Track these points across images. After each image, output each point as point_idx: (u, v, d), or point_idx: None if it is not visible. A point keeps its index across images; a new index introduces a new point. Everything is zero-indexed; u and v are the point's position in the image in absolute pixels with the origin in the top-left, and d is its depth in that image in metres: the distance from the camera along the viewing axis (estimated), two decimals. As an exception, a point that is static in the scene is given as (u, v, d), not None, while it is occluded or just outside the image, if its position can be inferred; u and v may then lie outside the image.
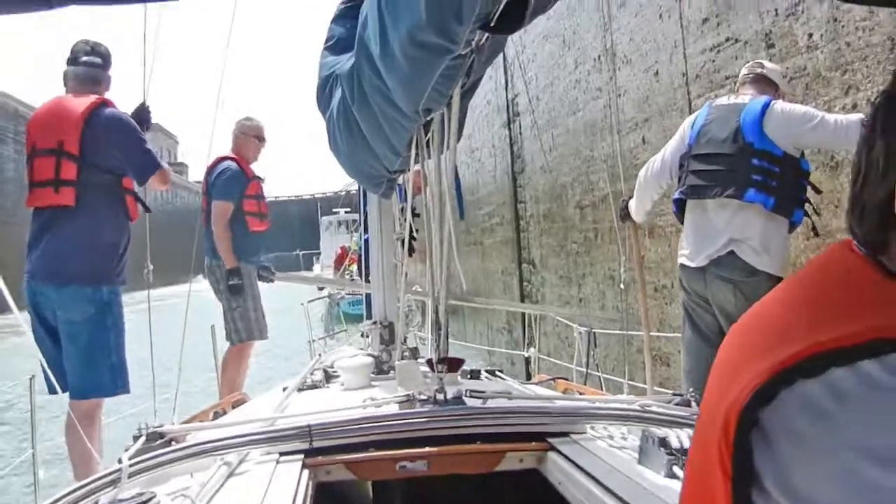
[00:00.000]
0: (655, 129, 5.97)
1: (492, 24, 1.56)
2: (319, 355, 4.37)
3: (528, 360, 8.21)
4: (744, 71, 3.83)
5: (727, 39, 4.94)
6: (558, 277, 8.80)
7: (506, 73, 10.71)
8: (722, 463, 0.79)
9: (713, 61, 5.11)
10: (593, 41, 7.11)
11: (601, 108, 7.02)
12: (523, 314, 9.78)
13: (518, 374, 7.94)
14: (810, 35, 4.12)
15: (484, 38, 1.73)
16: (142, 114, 4.18)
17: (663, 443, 1.84)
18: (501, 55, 10.99)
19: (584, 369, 5.38)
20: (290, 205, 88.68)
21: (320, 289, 10.92)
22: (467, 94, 2.12)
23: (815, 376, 0.73)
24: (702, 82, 5.27)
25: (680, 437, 1.85)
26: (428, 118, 2.12)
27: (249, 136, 5.72)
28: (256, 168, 5.76)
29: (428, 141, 2.39)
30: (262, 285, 5.62)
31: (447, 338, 2.45)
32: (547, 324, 8.81)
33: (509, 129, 10.70)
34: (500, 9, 1.52)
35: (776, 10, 4.37)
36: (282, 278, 6.02)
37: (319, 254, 35.02)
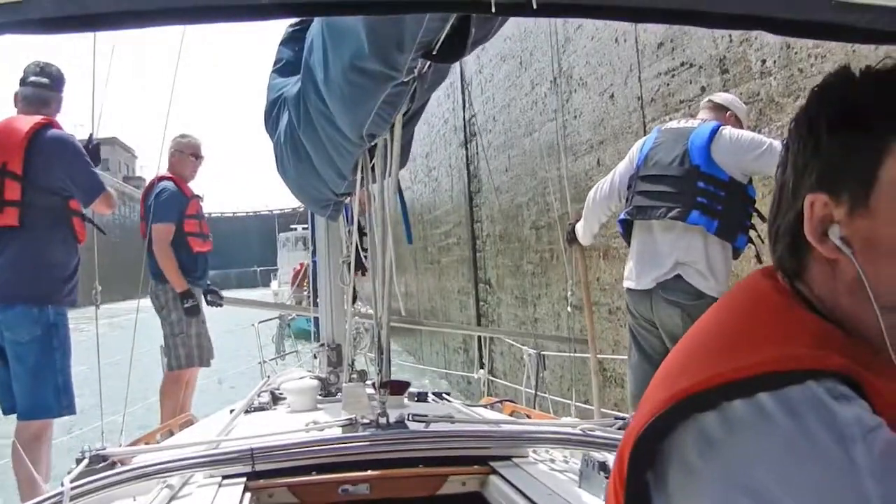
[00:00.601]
0: (611, 151, 6.03)
1: (434, 53, 1.56)
2: (268, 377, 4.33)
3: (483, 382, 8.24)
4: (719, 100, 3.85)
5: (682, 64, 5.01)
6: (514, 298, 8.84)
7: (463, 93, 10.77)
8: (616, 496, 0.79)
9: (668, 85, 5.18)
10: (550, 64, 7.19)
11: (557, 130, 7.10)
12: (478, 339, 9.79)
13: (473, 394, 7.95)
14: (763, 61, 4.19)
15: (426, 66, 1.72)
16: (89, 148, 4.13)
17: (603, 466, 1.87)
18: (459, 75, 11.04)
19: (534, 391, 5.39)
20: (248, 221, 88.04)
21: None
22: (411, 120, 2.13)
23: (710, 408, 0.72)
24: (656, 106, 5.34)
25: None
26: (372, 143, 2.12)
27: (186, 154, 5.54)
28: (195, 186, 5.61)
29: (374, 165, 2.39)
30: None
31: (389, 361, 2.45)
32: (503, 344, 8.83)
33: (466, 149, 10.74)
34: (442, 38, 1.52)
35: (730, 35, 4.45)
36: (231, 302, 5.91)
37: (277, 270, 34.73)
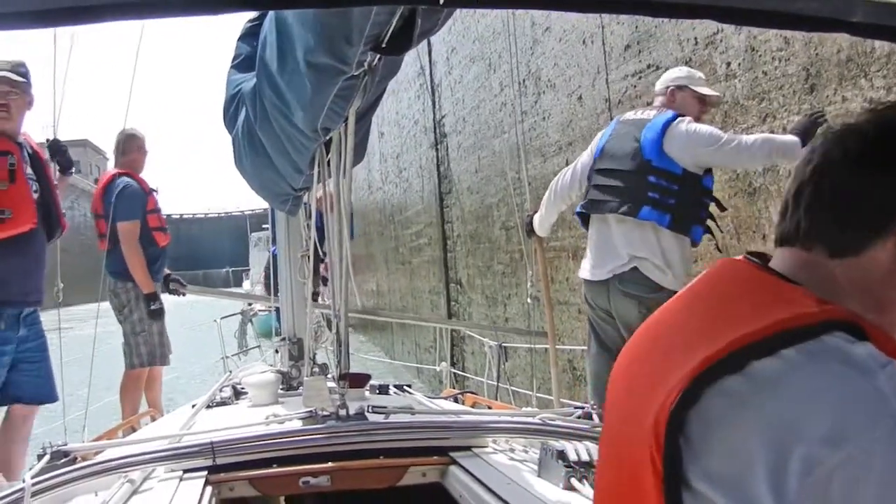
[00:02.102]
0: (579, 152, 6.03)
1: (383, 46, 1.59)
2: (230, 372, 4.33)
3: (454, 375, 8.26)
4: (657, 85, 3.79)
5: (648, 66, 5.05)
6: (484, 297, 8.87)
7: (433, 93, 10.79)
8: (653, 464, 0.83)
9: (635, 87, 5.23)
10: (518, 64, 7.24)
11: (526, 130, 7.14)
12: (451, 333, 9.82)
13: (436, 389, 7.97)
14: (728, 64, 4.23)
15: (376, 59, 1.75)
16: (56, 151, 4.13)
17: (561, 455, 1.89)
18: (429, 76, 11.05)
19: (496, 383, 5.44)
20: (220, 221, 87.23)
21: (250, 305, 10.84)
22: (366, 114, 2.15)
23: (735, 371, 0.80)
24: (624, 108, 5.38)
25: (578, 450, 1.90)
26: (327, 137, 2.14)
27: (138, 148, 5.44)
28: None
29: (330, 160, 2.41)
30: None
31: (348, 354, 2.47)
32: (474, 343, 8.86)
33: (437, 150, 10.76)
34: (391, 31, 1.55)
35: (696, 38, 4.50)
36: (193, 291, 5.87)
37: (249, 270, 34.52)
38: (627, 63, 5.31)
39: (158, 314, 5.17)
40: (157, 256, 5.29)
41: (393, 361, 12.94)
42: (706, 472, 0.79)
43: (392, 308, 15.75)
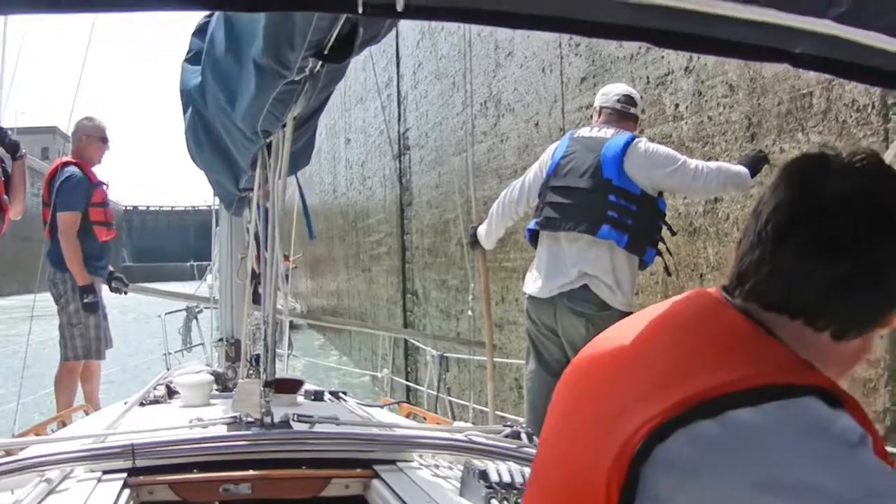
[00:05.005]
0: (534, 176, 6.15)
1: (325, 53, 1.61)
2: (167, 370, 4.28)
3: (405, 384, 8.24)
4: (611, 101, 3.71)
5: (602, 100, 5.14)
6: (439, 311, 8.88)
7: (399, 106, 10.84)
8: (608, 494, 0.83)
9: (589, 119, 5.32)
10: (481, 86, 7.30)
11: (485, 152, 7.19)
12: (405, 342, 9.82)
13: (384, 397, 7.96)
14: (677, 105, 4.30)
15: (318, 66, 1.77)
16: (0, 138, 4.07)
17: (483, 475, 1.88)
18: (396, 87, 11.04)
19: (436, 392, 5.43)
20: (186, 215, 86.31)
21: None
22: (309, 119, 2.16)
23: (711, 417, 0.79)
24: (577, 137, 5.48)
25: (500, 471, 1.89)
26: (267, 140, 2.15)
27: (94, 138, 5.29)
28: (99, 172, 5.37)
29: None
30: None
31: (275, 360, 2.45)
32: (427, 353, 8.88)
33: (399, 161, 10.79)
34: (333, 38, 1.56)
35: (648, 76, 4.58)
36: (135, 290, 5.78)
37: (212, 264, 34.13)
38: (583, 95, 5.38)
39: (92, 307, 5.06)
40: (97, 250, 5.18)
41: (343, 367, 12.91)
42: None
43: (350, 312, 15.70)
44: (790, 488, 0.73)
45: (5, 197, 4.08)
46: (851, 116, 3.13)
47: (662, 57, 4.44)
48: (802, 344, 0.88)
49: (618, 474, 0.81)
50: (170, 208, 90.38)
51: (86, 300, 5.02)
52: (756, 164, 3.40)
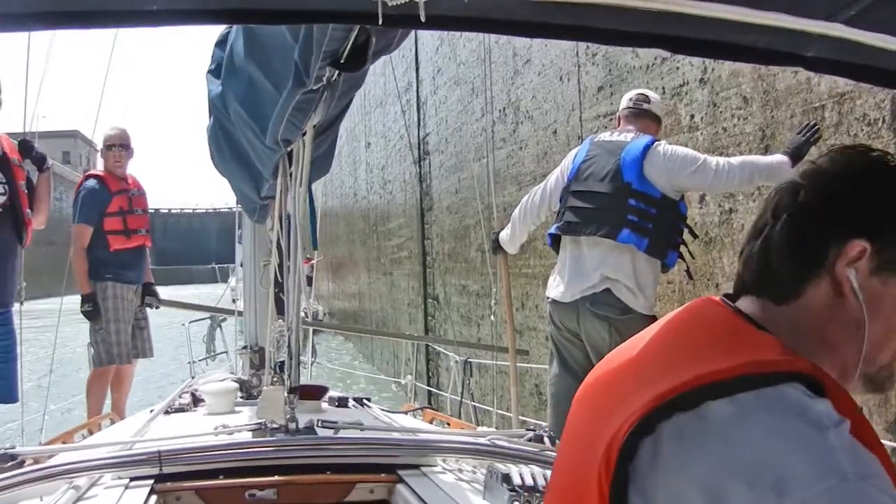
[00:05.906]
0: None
1: (341, 62, 1.63)
2: (192, 378, 4.32)
3: (427, 390, 8.24)
4: (626, 102, 3.78)
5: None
6: (460, 316, 8.89)
7: (418, 110, 10.87)
8: (600, 490, 0.85)
9: (605, 128, 5.31)
10: (500, 93, 7.31)
11: (504, 158, 7.20)
12: (427, 348, 9.83)
13: (406, 403, 7.97)
14: (692, 116, 4.30)
15: (335, 75, 1.79)
16: (27, 150, 4.15)
17: (506, 479, 1.89)
18: (416, 93, 11.09)
19: (459, 398, 5.43)
20: (207, 217, 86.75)
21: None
22: (329, 127, 2.19)
23: (689, 409, 0.81)
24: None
25: (523, 474, 1.90)
26: (288, 149, 2.18)
27: (103, 148, 5.43)
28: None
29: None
30: None
31: (299, 366, 2.48)
32: (449, 359, 8.91)
33: (419, 166, 10.82)
34: (349, 47, 1.59)
35: (664, 87, 4.57)
36: (167, 304, 5.87)
37: (235, 266, 34.29)
38: (600, 104, 5.39)
39: (92, 315, 5.13)
40: (113, 259, 5.24)
41: (365, 374, 12.96)
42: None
43: (372, 315, 15.76)
44: (760, 473, 0.74)
45: (28, 210, 4.18)
46: (863, 130, 3.13)
47: (678, 67, 4.44)
48: (798, 329, 0.90)
49: (606, 471, 0.84)
50: (191, 210, 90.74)
51: (83, 308, 5.13)
52: (802, 147, 3.27)
